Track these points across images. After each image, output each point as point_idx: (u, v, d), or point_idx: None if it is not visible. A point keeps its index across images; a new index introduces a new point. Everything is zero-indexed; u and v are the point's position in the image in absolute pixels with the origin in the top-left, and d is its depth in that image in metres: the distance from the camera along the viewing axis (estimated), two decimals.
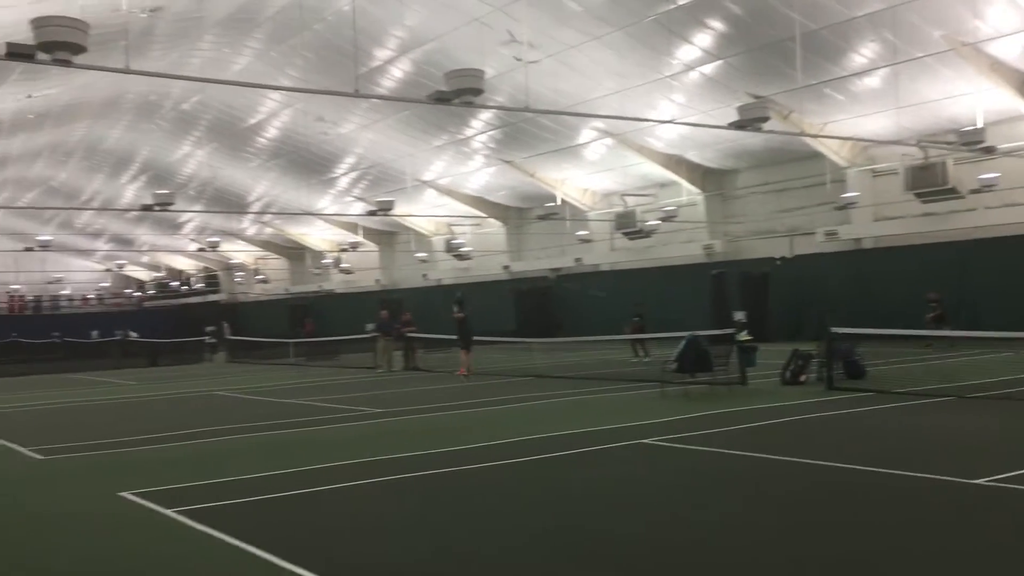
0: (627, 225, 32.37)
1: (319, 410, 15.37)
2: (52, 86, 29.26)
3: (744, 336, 17.16)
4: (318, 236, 52.78)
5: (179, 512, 7.59)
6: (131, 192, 48.35)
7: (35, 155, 42.25)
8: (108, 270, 64.06)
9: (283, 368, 28.21)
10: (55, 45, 10.33)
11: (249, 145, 38.43)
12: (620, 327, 24.79)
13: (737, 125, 16.24)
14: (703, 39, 23.46)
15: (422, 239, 46.17)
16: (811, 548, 6.08)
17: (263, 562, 6.10)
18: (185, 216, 50.99)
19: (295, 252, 56.90)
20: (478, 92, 12.99)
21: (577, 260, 38.46)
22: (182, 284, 67.59)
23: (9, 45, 10.51)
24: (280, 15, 25.57)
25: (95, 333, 48.76)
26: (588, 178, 36.28)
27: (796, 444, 10.09)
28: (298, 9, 23.45)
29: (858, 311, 24.29)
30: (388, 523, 7.18)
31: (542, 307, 38.31)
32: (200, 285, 65.60)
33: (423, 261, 45.41)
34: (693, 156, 32.37)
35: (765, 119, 16.06)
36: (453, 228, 42.75)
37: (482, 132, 32.71)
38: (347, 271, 48.95)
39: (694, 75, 25.34)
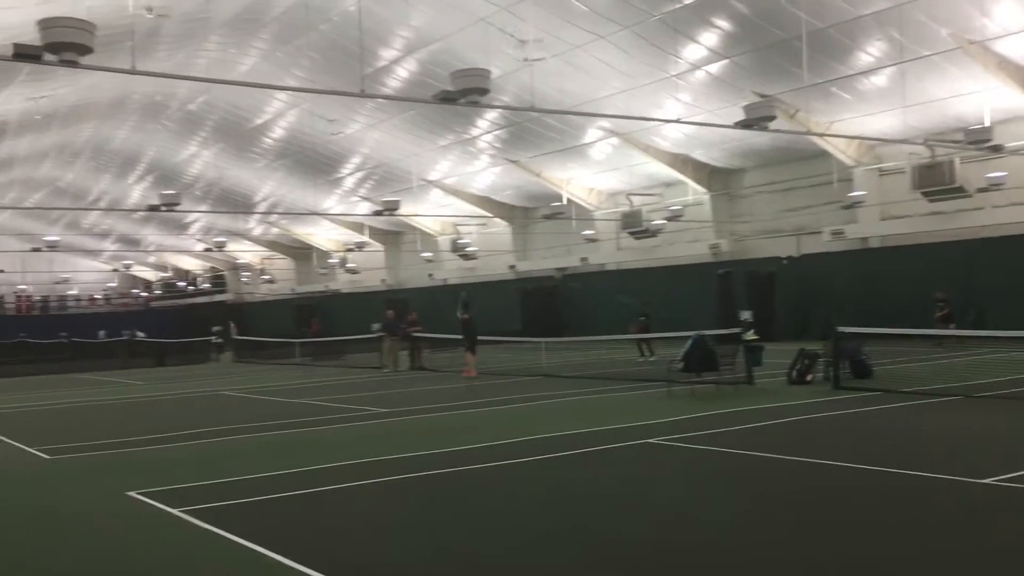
0: (633, 225, 32.35)
1: (325, 410, 15.38)
2: (59, 87, 29.35)
3: (750, 335, 17.16)
4: (324, 236, 52.87)
5: (185, 512, 7.60)
6: (138, 192, 48.50)
7: (42, 156, 42.40)
8: (115, 270, 64.25)
9: (289, 368, 28.25)
10: (62, 46, 10.37)
11: (255, 145, 38.50)
12: (626, 327, 24.76)
13: (743, 124, 16.23)
14: (709, 38, 23.42)
15: (428, 239, 46.21)
16: (818, 548, 6.06)
17: (269, 561, 6.10)
18: (191, 216, 51.15)
19: (301, 252, 57.00)
20: (484, 92, 13.00)
21: (583, 260, 38.47)
22: (188, 284, 67.79)
23: (16, 46, 10.55)
24: (286, 15, 25.61)
25: (102, 333, 48.95)
26: (594, 177, 36.27)
27: (802, 444, 10.07)
28: (304, 9, 23.48)
29: (865, 310, 24.22)
30: (392, 523, 7.18)
31: (548, 307, 38.32)
32: (206, 285, 65.81)
33: (429, 261, 45.46)
34: (699, 155, 32.33)
35: (771, 118, 16.05)
36: (459, 228, 42.77)
37: (488, 132, 32.72)
38: (353, 271, 49.02)
39: (700, 74, 25.30)
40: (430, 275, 46.60)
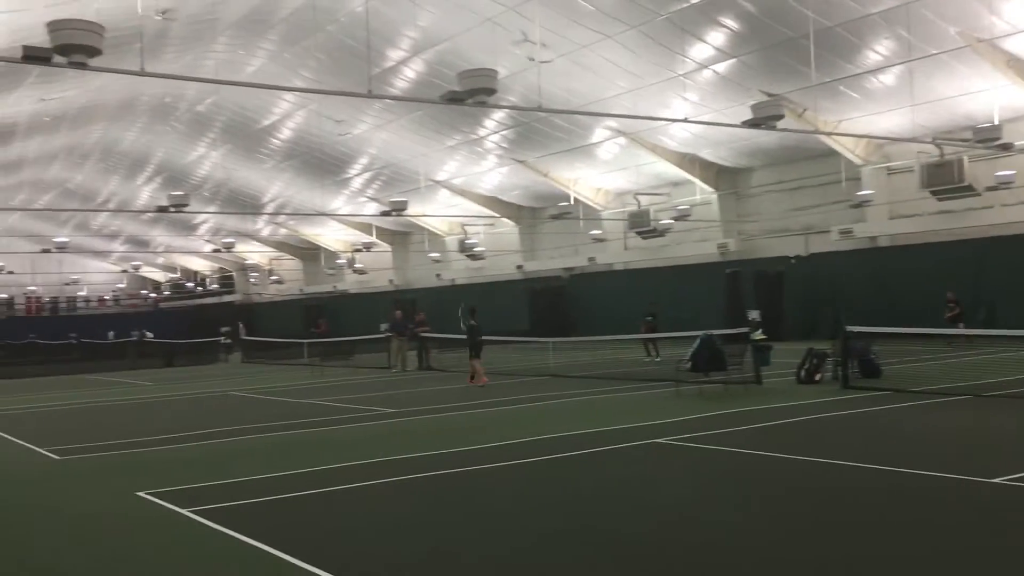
0: (641, 224, 32.29)
1: (333, 410, 15.41)
2: (68, 88, 29.47)
3: (758, 335, 17.12)
4: (332, 236, 52.95)
5: (195, 512, 7.63)
6: (146, 194, 48.69)
7: (51, 157, 42.58)
8: (124, 271, 64.50)
9: (297, 368, 28.30)
10: (71, 48, 10.41)
11: (263, 146, 38.59)
12: (635, 327, 24.74)
13: (751, 123, 16.20)
14: (716, 37, 23.38)
15: (435, 239, 46.24)
16: (827, 548, 6.05)
17: (278, 561, 6.12)
18: (200, 217, 51.29)
19: (309, 253, 57.10)
20: (491, 92, 12.99)
21: (590, 259, 38.44)
22: (197, 285, 68.00)
23: (26, 48, 10.60)
24: (293, 17, 25.67)
25: (111, 334, 49.10)
26: (601, 177, 36.24)
27: (811, 444, 10.05)
28: (311, 11, 23.54)
29: (873, 309, 24.17)
30: (401, 523, 7.19)
31: (555, 307, 38.32)
32: (215, 286, 66.02)
33: (436, 261, 45.49)
34: (707, 155, 32.28)
35: (779, 117, 16.02)
36: (466, 228, 42.79)
37: (495, 132, 32.73)
38: (361, 271, 49.09)
39: (708, 73, 25.26)
40: (438, 275, 46.64)
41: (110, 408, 18.41)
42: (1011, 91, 22.87)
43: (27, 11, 19.58)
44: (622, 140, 31.46)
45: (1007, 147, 20.54)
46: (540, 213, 40.93)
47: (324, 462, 9.94)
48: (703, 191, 33.30)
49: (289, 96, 32.09)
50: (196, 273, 69.95)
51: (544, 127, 31.27)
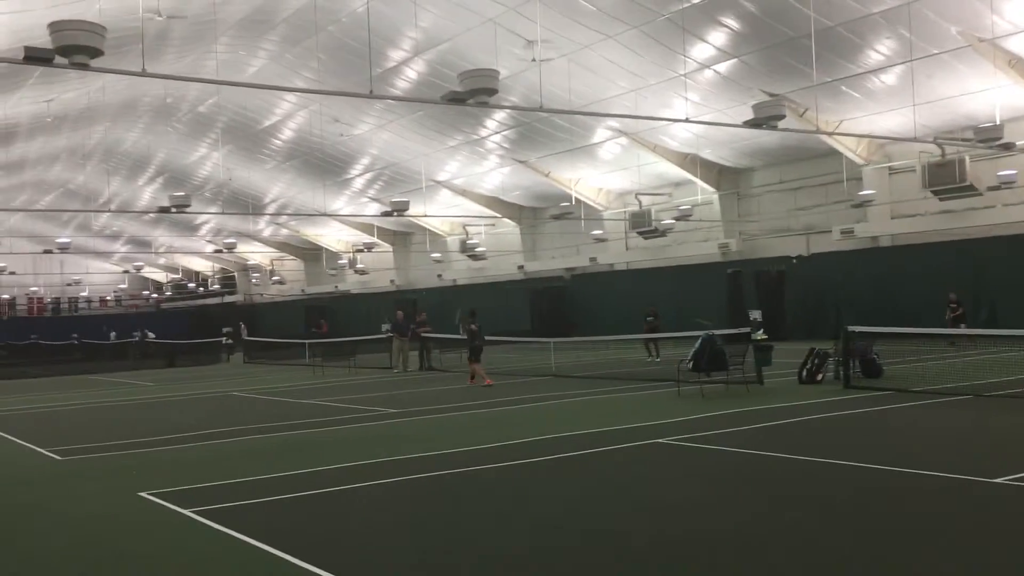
0: (642, 224, 32.32)
1: (335, 410, 15.42)
2: (69, 89, 29.50)
3: (760, 335, 17.12)
4: (333, 237, 52.99)
5: (197, 512, 7.64)
6: (148, 194, 48.74)
7: (53, 158, 42.62)
8: (126, 272, 64.52)
9: (299, 368, 28.32)
10: (72, 49, 10.42)
11: (265, 147, 38.62)
12: (637, 326, 24.75)
13: (752, 123, 16.20)
14: (718, 37, 23.38)
15: (437, 239, 46.26)
16: (828, 549, 6.05)
17: (280, 562, 6.13)
18: (202, 218, 51.34)
19: (311, 253, 57.14)
20: (492, 92, 13.00)
21: (592, 260, 38.45)
22: (199, 285, 68.04)
23: (27, 49, 10.61)
24: (295, 17, 25.68)
25: (113, 334, 49.17)
26: (602, 177, 36.24)
27: (813, 443, 10.05)
28: (312, 11, 23.54)
29: (875, 309, 24.17)
30: (403, 523, 7.20)
31: (557, 307, 38.34)
32: (217, 286, 66.04)
33: (438, 261, 45.51)
34: (708, 155, 32.27)
35: (780, 117, 16.01)
36: (468, 228, 42.80)
37: (496, 132, 32.73)
38: (362, 272, 49.13)
39: (709, 73, 25.25)
40: (439, 276, 46.65)
41: (112, 409, 18.42)
42: (1012, 91, 22.85)
43: (28, 12, 19.60)
44: (623, 140, 31.45)
45: (1008, 147, 20.52)
46: (541, 213, 40.93)
47: (326, 462, 9.95)
48: (704, 191, 33.29)
49: (290, 97, 32.11)
50: (198, 274, 69.99)
51: (545, 127, 31.27)
